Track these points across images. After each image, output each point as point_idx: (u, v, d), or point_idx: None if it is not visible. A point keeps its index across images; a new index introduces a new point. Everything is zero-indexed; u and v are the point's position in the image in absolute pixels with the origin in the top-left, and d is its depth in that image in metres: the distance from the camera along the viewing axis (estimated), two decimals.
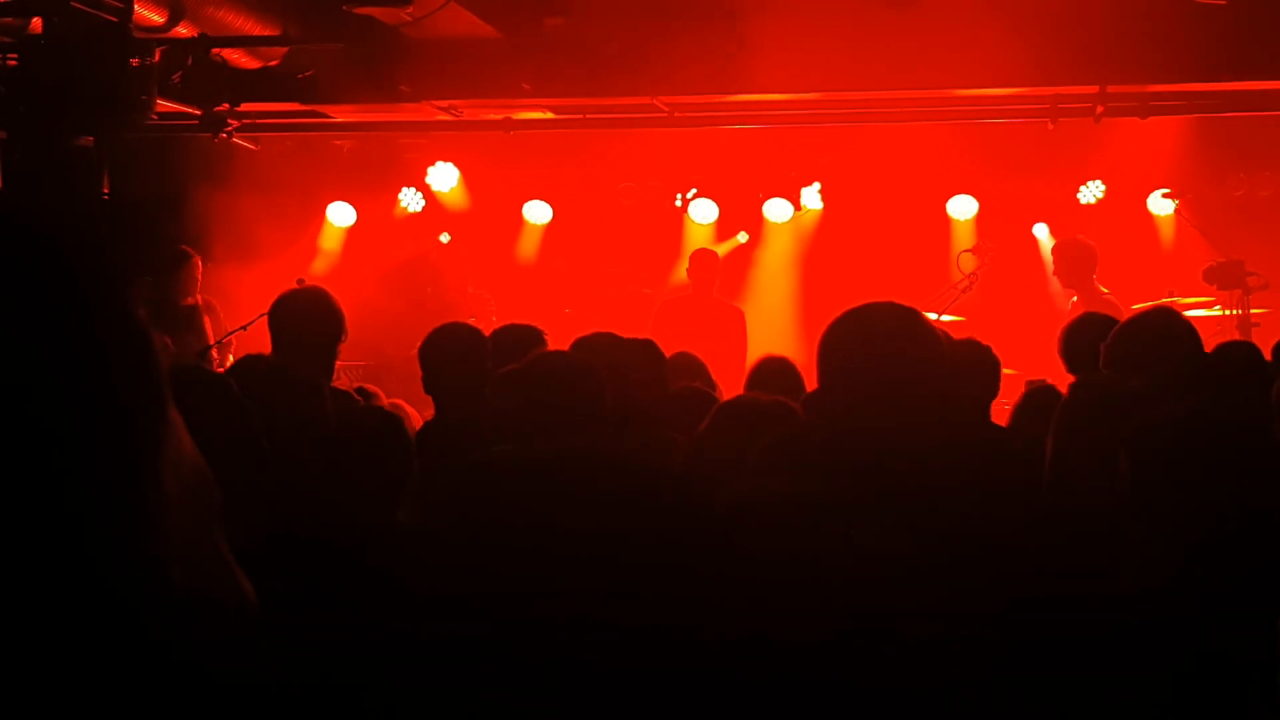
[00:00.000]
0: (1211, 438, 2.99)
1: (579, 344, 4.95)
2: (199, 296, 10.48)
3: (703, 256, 11.41)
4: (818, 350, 3.12)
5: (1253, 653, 2.77)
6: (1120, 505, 3.00)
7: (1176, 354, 4.92)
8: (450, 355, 5.49)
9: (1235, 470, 2.96)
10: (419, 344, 5.67)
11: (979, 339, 5.44)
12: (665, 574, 2.81)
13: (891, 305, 3.12)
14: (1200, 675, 2.81)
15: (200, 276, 10.84)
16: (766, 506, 2.77)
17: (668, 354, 5.52)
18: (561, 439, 3.52)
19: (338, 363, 5.70)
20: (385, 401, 6.25)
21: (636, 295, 12.48)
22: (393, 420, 4.13)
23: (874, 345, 3.03)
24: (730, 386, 6.15)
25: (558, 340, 5.55)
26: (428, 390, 5.54)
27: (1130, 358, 4.87)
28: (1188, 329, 5.15)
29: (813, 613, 2.58)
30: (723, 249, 12.69)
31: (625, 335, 5.17)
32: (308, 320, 5.53)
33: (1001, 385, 5.35)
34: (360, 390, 6.15)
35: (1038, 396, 5.18)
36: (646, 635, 2.74)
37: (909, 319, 3.07)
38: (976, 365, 5.10)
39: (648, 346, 5.10)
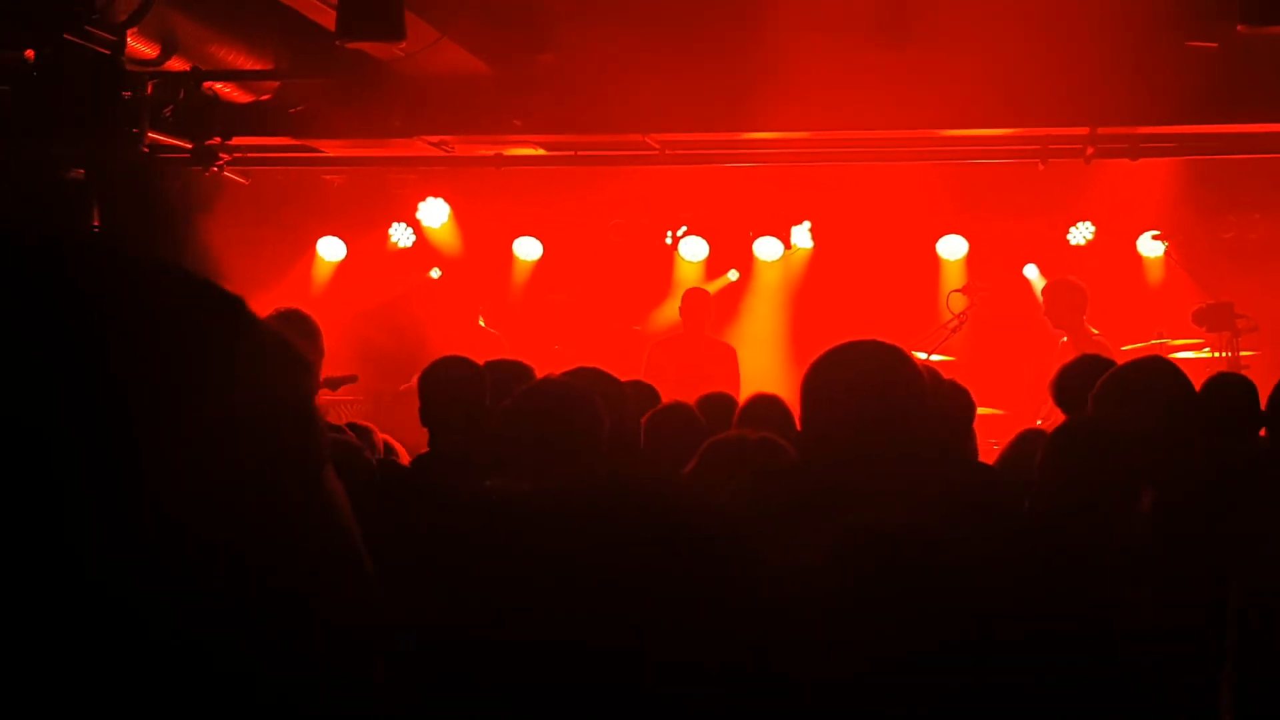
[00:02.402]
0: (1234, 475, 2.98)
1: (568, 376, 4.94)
2: None
3: (695, 296, 11.47)
4: (800, 389, 3.12)
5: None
6: (1136, 539, 2.99)
7: (1165, 394, 4.92)
8: (449, 388, 5.47)
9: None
10: (410, 379, 5.65)
11: (960, 380, 5.44)
12: (667, 604, 2.79)
13: (874, 343, 3.12)
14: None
15: None
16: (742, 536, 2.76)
17: (661, 393, 5.50)
18: (556, 471, 3.50)
19: (328, 397, 5.69)
20: (378, 438, 6.23)
21: (626, 332, 12.49)
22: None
23: (855, 383, 3.02)
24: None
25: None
26: (424, 422, 5.51)
27: (1118, 398, 4.87)
28: (1173, 371, 5.16)
29: (801, 645, 2.56)
30: (713, 287, 12.70)
31: (615, 372, 5.17)
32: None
33: (990, 426, 5.36)
34: (353, 426, 6.13)
35: (1029, 440, 5.19)
36: (648, 667, 2.72)
37: (891, 356, 3.06)
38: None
39: (639, 386, 5.09)
